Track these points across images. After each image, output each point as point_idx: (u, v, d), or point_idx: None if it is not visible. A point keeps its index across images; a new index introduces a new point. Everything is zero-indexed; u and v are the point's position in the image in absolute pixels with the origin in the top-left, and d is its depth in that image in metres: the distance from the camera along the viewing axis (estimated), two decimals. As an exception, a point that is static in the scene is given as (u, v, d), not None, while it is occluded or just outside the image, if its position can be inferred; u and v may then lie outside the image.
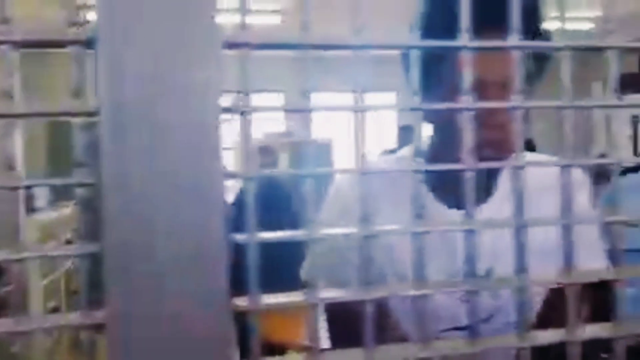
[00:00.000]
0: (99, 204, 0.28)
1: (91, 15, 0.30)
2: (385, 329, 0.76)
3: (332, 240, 0.75)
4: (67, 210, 3.38)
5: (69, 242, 3.39)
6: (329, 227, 0.32)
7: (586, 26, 4.31)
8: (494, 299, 0.72)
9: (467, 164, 0.34)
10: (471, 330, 0.34)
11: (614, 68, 0.35)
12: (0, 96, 0.28)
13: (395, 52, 0.34)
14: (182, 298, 0.29)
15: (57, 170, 3.99)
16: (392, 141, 5.24)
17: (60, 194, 3.55)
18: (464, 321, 0.73)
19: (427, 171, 0.35)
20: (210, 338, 0.30)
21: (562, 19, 0.35)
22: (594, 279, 0.36)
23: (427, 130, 0.79)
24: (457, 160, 0.35)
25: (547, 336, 0.35)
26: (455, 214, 0.58)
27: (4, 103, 0.28)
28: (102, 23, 0.28)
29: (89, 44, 0.29)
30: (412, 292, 0.33)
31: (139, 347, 0.29)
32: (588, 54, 0.37)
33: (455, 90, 0.36)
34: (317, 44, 0.32)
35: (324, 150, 5.76)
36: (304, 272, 0.66)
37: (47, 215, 3.22)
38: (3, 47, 0.29)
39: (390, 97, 5.84)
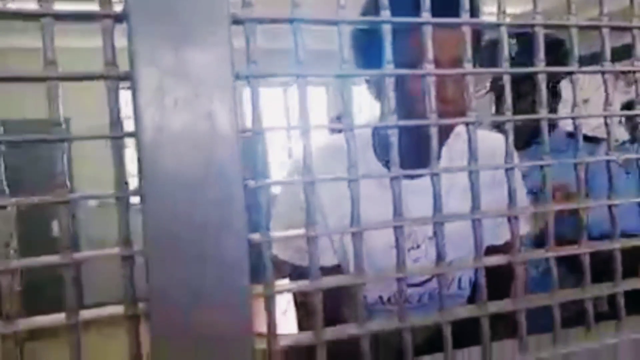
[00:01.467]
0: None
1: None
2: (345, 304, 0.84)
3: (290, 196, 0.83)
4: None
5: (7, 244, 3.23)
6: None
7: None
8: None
9: (432, 121, 0.42)
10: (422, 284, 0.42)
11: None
12: (46, 63, 0.33)
13: (327, 47, 0.39)
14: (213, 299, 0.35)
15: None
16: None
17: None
18: (419, 278, 0.83)
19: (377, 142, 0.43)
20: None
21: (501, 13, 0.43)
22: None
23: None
24: (408, 131, 0.42)
25: (501, 305, 0.44)
26: (407, 183, 0.65)
27: (51, 68, 0.33)
28: (132, 2, 0.33)
29: (119, 18, 0.34)
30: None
31: (177, 333, 0.34)
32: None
33: (412, 66, 0.43)
34: (307, 19, 0.38)
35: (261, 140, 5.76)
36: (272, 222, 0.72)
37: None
38: (44, 19, 0.33)
39: (320, 91, 5.97)
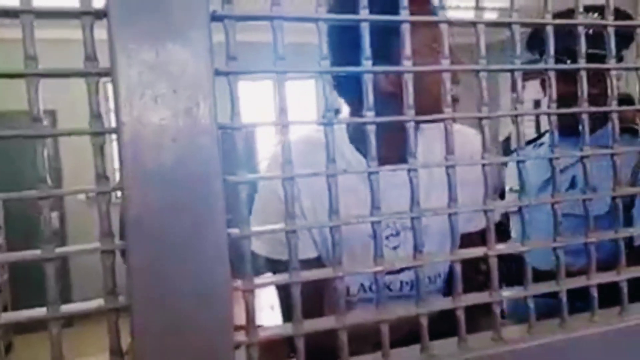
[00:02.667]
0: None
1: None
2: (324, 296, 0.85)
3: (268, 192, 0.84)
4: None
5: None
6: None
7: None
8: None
9: (409, 116, 0.43)
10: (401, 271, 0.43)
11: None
12: (27, 59, 0.33)
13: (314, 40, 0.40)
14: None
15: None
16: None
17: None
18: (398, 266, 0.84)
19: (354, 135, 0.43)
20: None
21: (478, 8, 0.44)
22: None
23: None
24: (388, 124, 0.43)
25: (475, 297, 0.45)
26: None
27: (30, 64, 0.33)
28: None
29: (98, 15, 0.34)
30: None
31: (157, 325, 0.35)
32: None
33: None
34: (287, 17, 0.39)
35: (250, 135, 5.78)
36: (252, 218, 0.73)
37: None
38: (24, 16, 0.33)
39: (310, 84, 5.96)
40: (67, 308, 0.35)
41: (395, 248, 0.86)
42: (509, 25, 0.46)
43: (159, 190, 0.35)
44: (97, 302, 0.35)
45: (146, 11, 0.34)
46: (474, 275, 0.54)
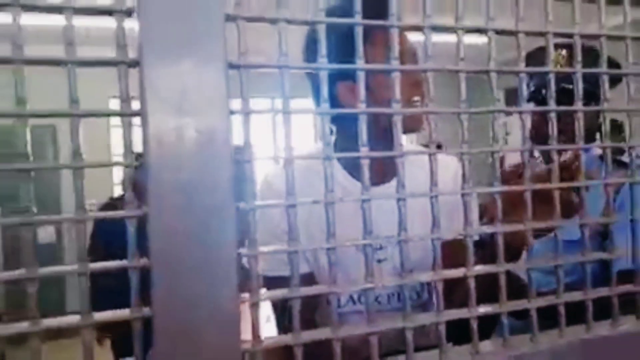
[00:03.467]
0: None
1: None
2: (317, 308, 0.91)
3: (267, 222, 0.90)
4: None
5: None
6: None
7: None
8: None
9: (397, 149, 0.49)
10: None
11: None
12: (71, 103, 0.39)
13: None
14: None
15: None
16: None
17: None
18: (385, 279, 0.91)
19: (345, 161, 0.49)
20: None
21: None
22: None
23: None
24: (371, 132, 0.48)
25: (457, 313, 0.51)
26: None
27: (75, 106, 0.39)
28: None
29: (129, 13, 0.40)
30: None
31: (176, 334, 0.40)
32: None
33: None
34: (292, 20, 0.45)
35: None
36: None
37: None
38: (70, 65, 0.39)
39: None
40: (99, 316, 0.40)
41: (380, 261, 0.92)
42: (486, 72, 0.52)
43: (179, 213, 0.40)
44: (125, 312, 0.41)
45: (173, 56, 0.40)
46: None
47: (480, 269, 0.51)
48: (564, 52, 1.28)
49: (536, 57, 0.65)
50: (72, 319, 0.41)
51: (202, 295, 0.41)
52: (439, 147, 0.54)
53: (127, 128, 0.40)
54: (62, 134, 4.65)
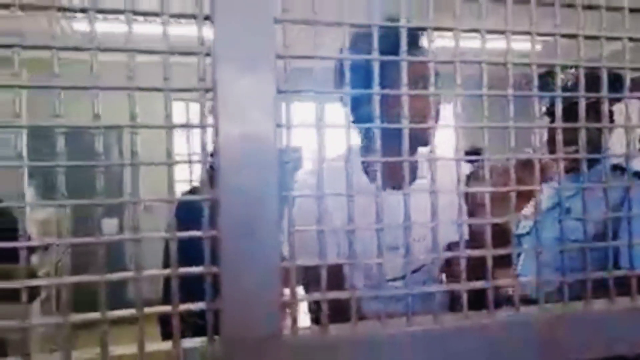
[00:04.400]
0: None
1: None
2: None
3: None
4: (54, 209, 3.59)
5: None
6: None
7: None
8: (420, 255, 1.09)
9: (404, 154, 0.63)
10: (405, 279, 0.63)
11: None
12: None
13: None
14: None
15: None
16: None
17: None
18: (401, 273, 1.05)
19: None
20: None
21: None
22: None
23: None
24: (392, 150, 0.62)
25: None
26: (390, 193, 0.75)
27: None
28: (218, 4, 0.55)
29: (207, 17, 0.56)
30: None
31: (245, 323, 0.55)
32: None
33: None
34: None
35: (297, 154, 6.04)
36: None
37: (42, 213, 3.43)
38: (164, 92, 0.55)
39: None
40: (185, 307, 0.56)
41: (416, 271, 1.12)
42: (505, 96, 0.65)
43: (240, 198, 0.56)
44: (201, 304, 0.56)
45: (238, 81, 0.56)
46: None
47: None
48: (572, 70, 1.36)
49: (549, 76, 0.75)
50: (132, 312, 0.55)
51: (255, 257, 0.56)
52: (477, 152, 0.68)
53: (204, 135, 0.56)
54: (126, 134, 4.97)
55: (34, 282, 0.54)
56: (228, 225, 0.55)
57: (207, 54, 0.56)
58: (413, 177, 1.01)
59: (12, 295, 0.53)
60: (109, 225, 4.39)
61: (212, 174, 0.55)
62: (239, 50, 0.56)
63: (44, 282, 0.56)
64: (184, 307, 0.56)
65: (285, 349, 0.57)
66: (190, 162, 0.59)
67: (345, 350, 0.60)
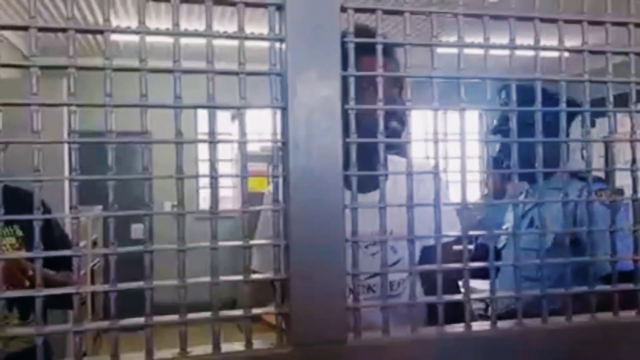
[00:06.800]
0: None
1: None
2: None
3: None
4: (90, 213, 3.68)
5: (95, 243, 3.90)
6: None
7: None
8: (394, 253, 1.22)
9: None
10: (382, 276, 0.66)
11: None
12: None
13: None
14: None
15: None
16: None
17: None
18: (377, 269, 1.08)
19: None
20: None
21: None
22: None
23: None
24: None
25: None
26: (361, 196, 0.74)
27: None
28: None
29: (279, 7, 0.60)
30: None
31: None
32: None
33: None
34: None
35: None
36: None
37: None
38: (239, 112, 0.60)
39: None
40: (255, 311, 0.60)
41: (373, 255, 1.15)
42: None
43: (307, 205, 0.60)
44: (269, 308, 0.60)
45: (306, 103, 0.60)
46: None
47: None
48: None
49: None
50: (174, 318, 0.60)
51: (319, 242, 0.60)
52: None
53: (277, 153, 0.61)
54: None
55: (89, 289, 0.58)
56: (296, 230, 0.59)
57: (280, 107, 0.60)
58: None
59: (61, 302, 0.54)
60: (137, 230, 4.46)
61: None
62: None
63: (99, 288, 0.59)
64: (256, 311, 0.60)
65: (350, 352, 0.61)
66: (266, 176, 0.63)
67: (407, 353, 0.64)
